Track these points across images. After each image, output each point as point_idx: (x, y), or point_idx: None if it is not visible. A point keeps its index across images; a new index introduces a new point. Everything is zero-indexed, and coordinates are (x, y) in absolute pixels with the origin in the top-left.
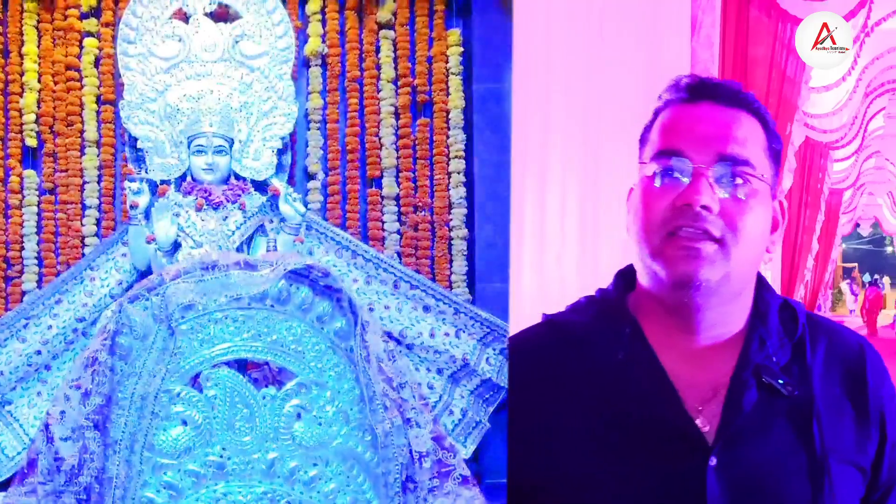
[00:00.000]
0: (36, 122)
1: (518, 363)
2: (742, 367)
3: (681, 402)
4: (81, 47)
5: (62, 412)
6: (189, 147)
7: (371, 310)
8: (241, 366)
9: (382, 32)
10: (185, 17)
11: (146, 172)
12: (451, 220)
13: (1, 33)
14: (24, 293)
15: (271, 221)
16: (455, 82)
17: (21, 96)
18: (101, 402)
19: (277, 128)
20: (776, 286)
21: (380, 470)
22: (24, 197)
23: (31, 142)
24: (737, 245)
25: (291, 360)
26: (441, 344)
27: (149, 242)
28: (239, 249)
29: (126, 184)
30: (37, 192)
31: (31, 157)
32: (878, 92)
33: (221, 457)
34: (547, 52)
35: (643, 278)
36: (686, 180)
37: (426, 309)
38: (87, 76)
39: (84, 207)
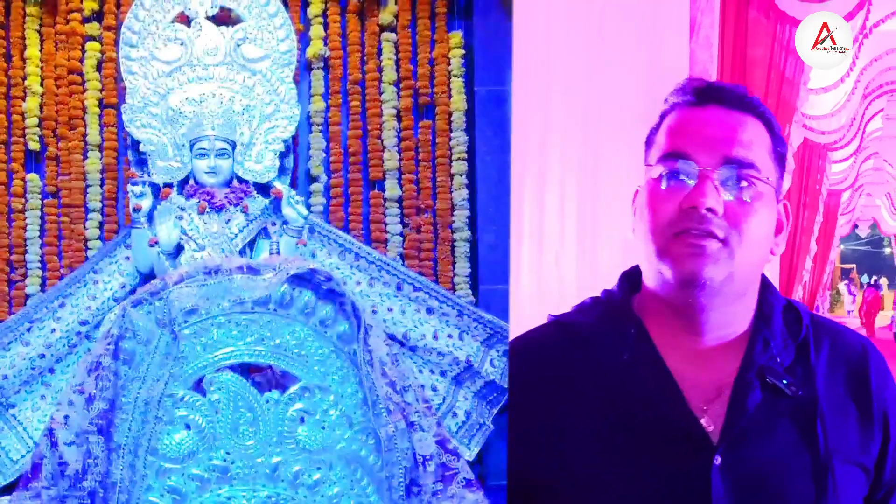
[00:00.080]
0: (38, 125)
1: (524, 363)
2: (746, 367)
3: (685, 402)
4: (84, 51)
5: (66, 417)
6: (191, 150)
7: (374, 312)
8: (245, 370)
9: (384, 35)
10: (187, 21)
11: (149, 176)
12: (454, 221)
13: (3, 37)
14: (27, 297)
15: (274, 224)
16: (457, 84)
17: (23, 100)
18: (104, 407)
19: (280, 131)
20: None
21: (383, 474)
22: (27, 201)
23: (34, 145)
24: (740, 245)
25: (295, 363)
26: (444, 346)
27: (151, 246)
28: (241, 252)
29: (129, 187)
30: (40, 196)
31: (33, 161)
32: (876, 93)
33: (225, 461)
34: (547, 53)
35: (649, 279)
36: (692, 182)
37: (429, 311)
38: (89, 80)
39: (87, 211)
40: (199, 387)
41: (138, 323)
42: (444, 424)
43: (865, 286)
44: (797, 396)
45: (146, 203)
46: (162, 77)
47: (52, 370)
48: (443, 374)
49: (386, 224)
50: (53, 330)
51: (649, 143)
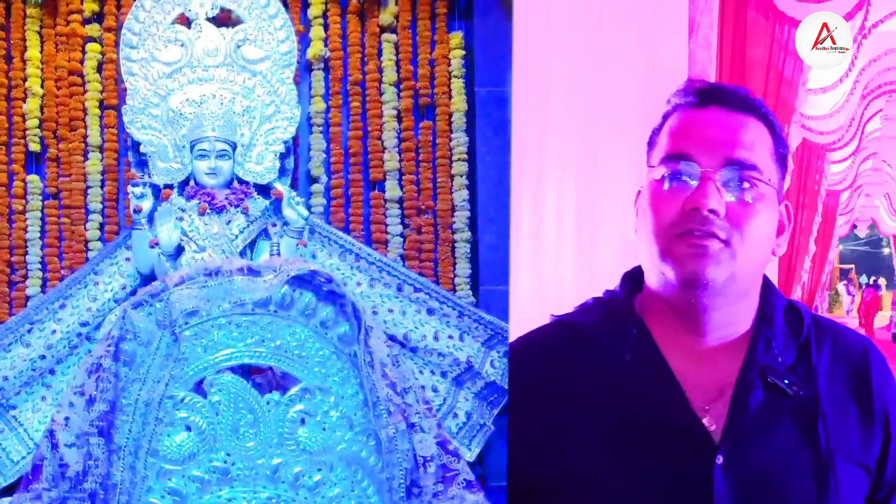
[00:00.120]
0: (39, 127)
1: (526, 363)
2: (748, 367)
3: (687, 402)
4: (84, 52)
5: (67, 418)
6: (192, 151)
7: (375, 313)
8: (245, 371)
9: (384, 36)
10: (187, 22)
11: (149, 177)
12: (455, 222)
13: (4, 39)
14: (28, 298)
15: (274, 225)
16: (457, 85)
17: (24, 101)
18: (105, 409)
19: (280, 132)
20: None
21: (384, 475)
22: (27, 202)
23: (35, 147)
24: (742, 246)
25: (295, 365)
26: (445, 347)
27: (152, 247)
28: (242, 253)
29: (129, 188)
30: (40, 197)
31: (34, 162)
32: (875, 94)
33: (226, 462)
34: (547, 54)
35: (651, 280)
36: (694, 183)
37: (430, 312)
38: (89, 81)
39: (87, 212)
40: (199, 388)
41: (139, 324)
42: (445, 425)
43: (864, 286)
44: (798, 396)
45: (147, 204)
46: (162, 78)
47: (52, 371)
48: (443, 375)
49: (386, 225)
50: (54, 331)
51: (651, 143)
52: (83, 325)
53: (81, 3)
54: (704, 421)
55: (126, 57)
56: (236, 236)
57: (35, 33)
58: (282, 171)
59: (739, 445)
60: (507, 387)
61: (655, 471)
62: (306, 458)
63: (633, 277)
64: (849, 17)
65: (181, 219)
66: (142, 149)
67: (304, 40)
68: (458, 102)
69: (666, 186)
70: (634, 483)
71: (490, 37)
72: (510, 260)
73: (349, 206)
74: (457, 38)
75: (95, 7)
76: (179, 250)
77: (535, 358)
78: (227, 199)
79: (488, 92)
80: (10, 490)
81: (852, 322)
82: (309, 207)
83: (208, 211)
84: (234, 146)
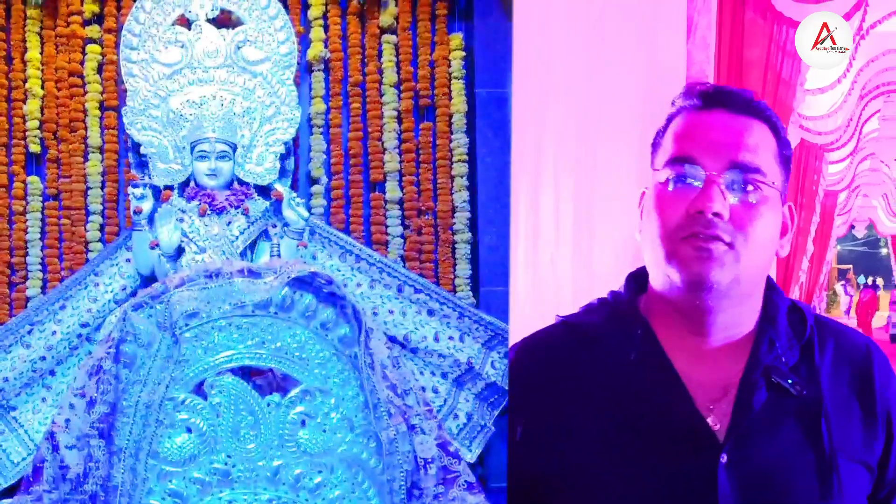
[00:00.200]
0: (39, 128)
1: (531, 364)
2: (752, 367)
3: (692, 402)
4: (84, 54)
5: (67, 420)
6: (192, 153)
7: (375, 314)
8: (246, 373)
9: (384, 37)
10: (187, 24)
11: (149, 178)
12: (455, 223)
13: (4, 40)
14: (28, 299)
15: (275, 226)
16: (457, 86)
17: (24, 103)
18: (105, 411)
19: (280, 133)
20: None
21: (385, 477)
22: (27, 203)
23: (35, 148)
24: (746, 249)
25: (295, 367)
26: (445, 348)
27: (152, 248)
28: (242, 254)
29: (129, 189)
30: (40, 199)
31: (34, 164)
32: (873, 94)
33: (226, 464)
34: (547, 55)
35: (656, 281)
36: (699, 184)
37: (430, 313)
38: (90, 82)
39: (88, 213)
40: (200, 390)
41: (139, 326)
42: (446, 426)
43: (862, 287)
44: (802, 396)
45: (147, 205)
46: (162, 79)
47: (52, 372)
48: (444, 376)
49: (387, 226)
50: (54, 332)
51: (655, 145)
52: (83, 326)
53: (82, 5)
54: (709, 420)
55: (126, 58)
56: (237, 237)
57: (35, 34)
58: (282, 173)
59: (743, 444)
60: (507, 387)
61: (660, 470)
62: (307, 460)
63: (638, 278)
64: (847, 17)
65: (181, 220)
66: (142, 150)
67: (304, 41)
68: (459, 103)
69: (671, 188)
70: (638, 482)
71: (490, 38)
72: (511, 261)
73: (349, 208)
74: (457, 39)
75: (96, 8)
76: (180, 251)
77: (540, 358)
78: (227, 200)
79: (488, 93)
80: (10, 491)
81: (850, 322)
82: (309, 208)
83: (208, 212)
84: (234, 147)
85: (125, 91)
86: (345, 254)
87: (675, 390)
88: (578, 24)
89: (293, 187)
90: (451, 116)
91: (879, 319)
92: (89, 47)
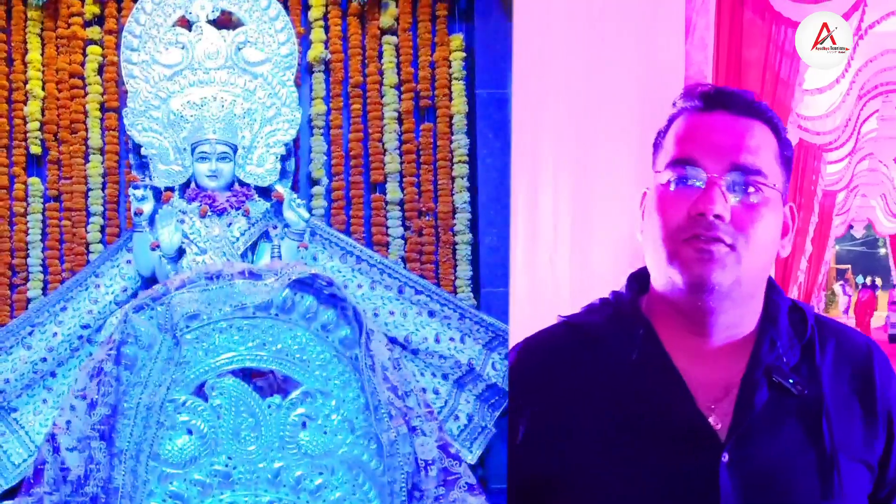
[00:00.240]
0: (40, 129)
1: (533, 364)
2: (753, 367)
3: (693, 401)
4: (85, 55)
5: (68, 422)
6: (193, 154)
7: (376, 315)
8: (246, 375)
9: (385, 38)
10: (188, 25)
11: (150, 179)
12: (455, 224)
13: (4, 41)
14: (29, 300)
15: (275, 227)
16: (458, 87)
17: (25, 104)
18: (106, 413)
19: (281, 134)
20: None
21: (386, 478)
22: (28, 204)
23: (36, 149)
24: (748, 250)
25: (296, 368)
26: (446, 349)
27: (153, 249)
28: (243, 256)
29: (130, 191)
30: (41, 200)
31: (35, 165)
32: (871, 94)
33: (227, 466)
34: (547, 55)
35: (658, 282)
36: (700, 184)
37: (431, 314)
38: (90, 84)
39: (88, 215)
40: (200, 392)
41: (140, 328)
42: (446, 428)
43: (860, 287)
44: (803, 395)
45: (147, 207)
46: (163, 81)
47: (53, 374)
48: (444, 377)
49: (387, 227)
50: (55, 333)
51: (657, 146)
52: (84, 327)
53: (82, 6)
54: (710, 420)
55: (127, 59)
56: (237, 239)
57: (36, 36)
58: (283, 174)
59: (745, 444)
60: (507, 388)
61: (661, 469)
62: (307, 462)
63: (639, 278)
64: (845, 17)
65: (182, 221)
66: (143, 151)
67: (304, 42)
68: (459, 104)
69: (672, 190)
70: (640, 482)
71: (490, 39)
72: (511, 262)
73: (350, 209)
74: (457, 40)
75: (96, 10)
76: (180, 253)
77: (542, 358)
78: (227, 201)
79: (489, 94)
80: (11, 493)
81: (849, 322)
82: (310, 210)
83: (209, 213)
84: (234, 148)
85: (126, 92)
86: (345, 255)
87: (677, 390)
88: (578, 24)
89: (294, 188)
90: (451, 117)
91: (878, 319)
92: (90, 49)
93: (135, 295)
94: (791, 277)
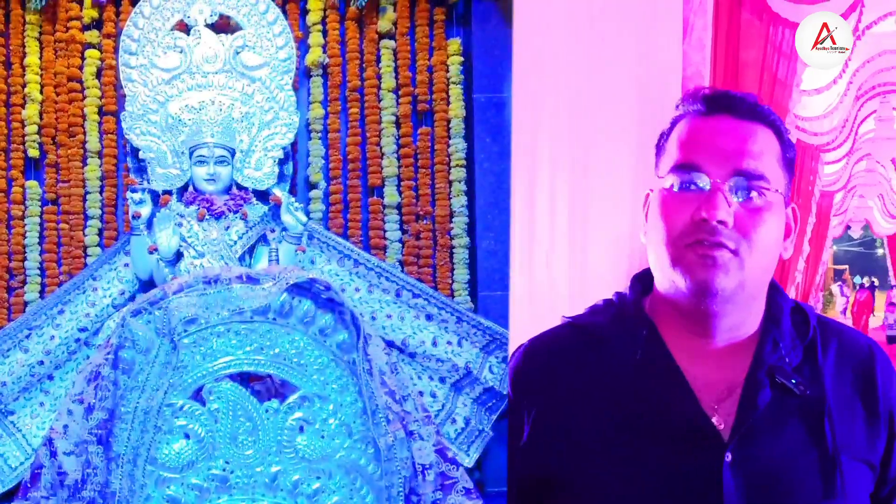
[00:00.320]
0: (38, 133)
1: (539, 365)
2: (756, 367)
3: (697, 401)
4: (83, 59)
5: (65, 426)
6: (191, 157)
7: (373, 318)
8: (244, 379)
9: (383, 42)
10: (186, 29)
11: (148, 183)
12: (453, 228)
13: (3, 45)
14: (26, 303)
15: (273, 231)
16: (455, 91)
17: (23, 107)
18: (104, 417)
19: (279, 138)
20: None
21: (383, 483)
22: (26, 208)
23: (34, 153)
24: (751, 254)
25: (294, 373)
26: (443, 352)
27: (151, 252)
28: (241, 259)
29: (128, 194)
30: (39, 203)
31: (33, 168)
32: (869, 95)
33: (224, 470)
34: (545, 59)
35: (661, 285)
36: (705, 186)
37: (428, 318)
38: (88, 87)
39: (86, 218)
40: (198, 396)
41: (138, 332)
42: (444, 431)
43: (858, 287)
44: (805, 395)
45: (145, 210)
46: (161, 85)
47: (51, 377)
48: (442, 380)
49: (385, 231)
50: (52, 337)
51: (659, 149)
52: (82, 330)
53: (81, 10)
54: (714, 420)
55: (125, 63)
56: (235, 242)
57: (34, 39)
58: (280, 177)
59: (748, 443)
60: (505, 392)
61: (665, 469)
62: (305, 466)
63: (643, 279)
64: (843, 17)
65: (180, 224)
66: (141, 155)
67: (302, 47)
68: (457, 108)
69: (676, 191)
70: (644, 481)
71: (488, 43)
72: (510, 266)
73: (348, 212)
74: (455, 44)
75: (94, 13)
76: (178, 256)
77: (548, 359)
78: (225, 204)
79: (486, 98)
80: (8, 496)
81: (846, 323)
82: (308, 213)
83: (207, 217)
84: (232, 152)
85: (124, 96)
86: (343, 258)
87: (680, 390)
88: (577, 28)
89: (292, 192)
90: (449, 121)
91: (876, 320)
92: (88, 52)
93: (132, 298)
94: (788, 278)
